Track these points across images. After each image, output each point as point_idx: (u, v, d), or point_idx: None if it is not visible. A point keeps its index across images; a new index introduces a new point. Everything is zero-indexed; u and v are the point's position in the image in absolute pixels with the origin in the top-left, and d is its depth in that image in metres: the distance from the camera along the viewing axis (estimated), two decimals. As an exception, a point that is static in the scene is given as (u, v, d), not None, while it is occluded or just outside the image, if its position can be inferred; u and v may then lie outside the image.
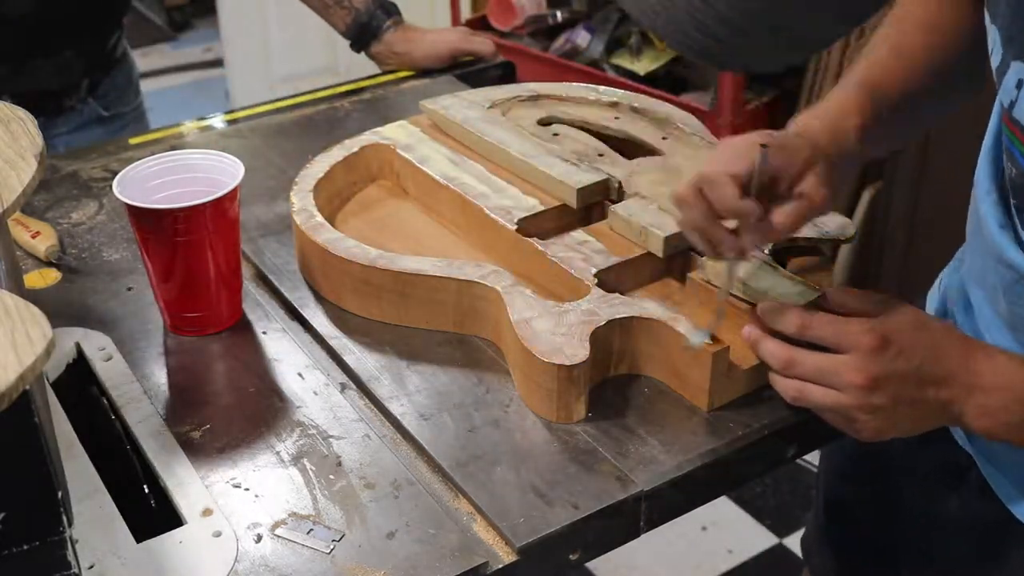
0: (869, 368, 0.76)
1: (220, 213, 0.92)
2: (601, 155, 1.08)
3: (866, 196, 2.23)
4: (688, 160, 1.07)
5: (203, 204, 0.91)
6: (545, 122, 1.16)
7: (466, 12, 2.81)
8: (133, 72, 1.61)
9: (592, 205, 1.03)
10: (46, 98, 1.43)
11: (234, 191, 0.93)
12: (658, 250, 0.94)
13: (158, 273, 0.95)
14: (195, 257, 0.93)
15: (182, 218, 0.91)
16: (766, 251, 0.92)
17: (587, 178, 1.01)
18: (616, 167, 1.05)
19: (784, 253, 0.95)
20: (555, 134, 1.13)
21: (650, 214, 0.96)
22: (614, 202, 1.00)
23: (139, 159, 0.98)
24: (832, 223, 0.95)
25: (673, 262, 0.97)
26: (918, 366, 0.77)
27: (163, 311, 0.98)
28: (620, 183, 1.02)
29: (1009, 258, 0.80)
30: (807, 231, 0.94)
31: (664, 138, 1.12)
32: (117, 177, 0.94)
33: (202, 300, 0.96)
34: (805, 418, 0.85)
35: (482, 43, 1.52)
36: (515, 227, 0.98)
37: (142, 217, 0.92)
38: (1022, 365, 0.77)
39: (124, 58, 1.57)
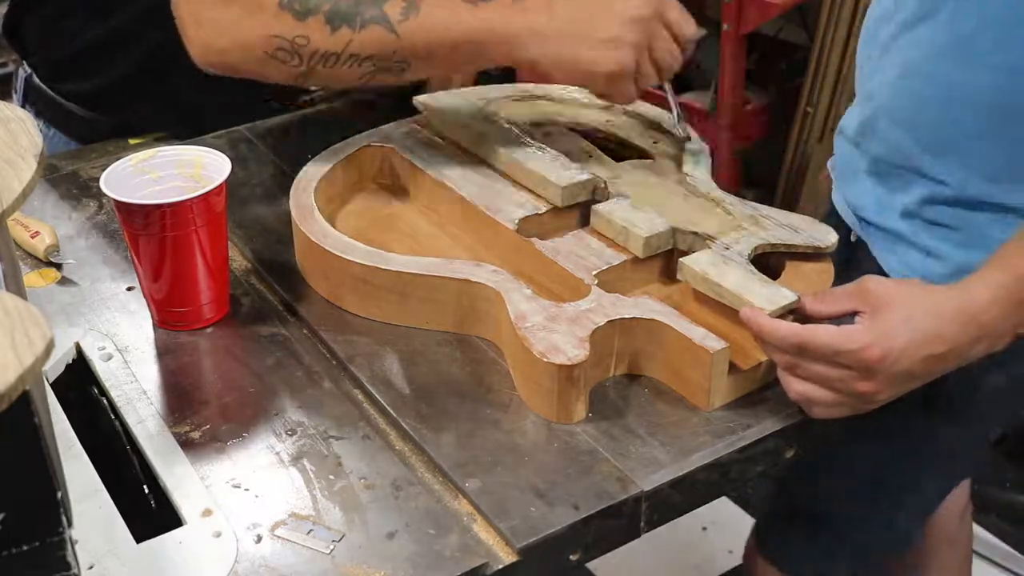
0: (875, 378, 0.79)
1: (207, 208, 0.93)
2: (590, 156, 1.09)
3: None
4: (675, 163, 1.07)
5: (190, 200, 0.91)
6: (538, 122, 1.16)
7: (466, 12, 2.80)
8: None
9: (592, 205, 1.03)
10: None
11: (221, 186, 0.94)
12: (638, 250, 0.94)
13: (146, 268, 0.95)
14: (183, 253, 0.94)
15: (169, 213, 0.91)
16: (747, 255, 0.91)
17: (572, 177, 1.01)
18: (603, 168, 1.05)
19: (770, 257, 0.95)
20: (546, 134, 1.13)
21: (631, 214, 0.96)
22: (598, 202, 1.00)
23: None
24: (814, 230, 0.96)
25: (672, 262, 0.97)
26: (921, 355, 0.79)
27: (151, 305, 0.98)
28: (605, 183, 1.02)
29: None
30: (788, 238, 0.95)
31: (655, 142, 1.12)
32: (104, 173, 0.94)
33: (189, 295, 0.96)
34: (805, 418, 0.85)
35: None
36: (515, 227, 0.98)
37: (130, 213, 0.92)
38: (990, 277, 0.81)
39: None
